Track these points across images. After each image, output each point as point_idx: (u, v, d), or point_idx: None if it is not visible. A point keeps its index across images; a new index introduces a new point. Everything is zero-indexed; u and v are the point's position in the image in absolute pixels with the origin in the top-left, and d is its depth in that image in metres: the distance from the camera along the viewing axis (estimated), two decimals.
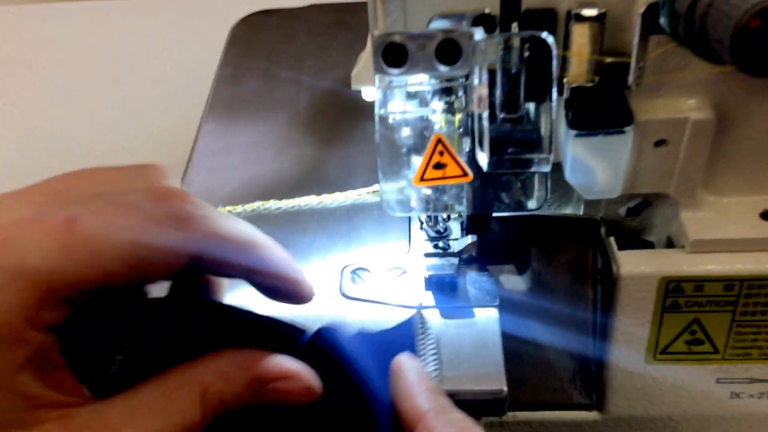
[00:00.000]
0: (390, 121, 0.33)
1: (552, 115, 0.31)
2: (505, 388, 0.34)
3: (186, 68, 0.78)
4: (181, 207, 0.26)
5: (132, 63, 0.87)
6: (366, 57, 0.36)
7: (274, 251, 0.29)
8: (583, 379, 0.44)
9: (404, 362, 0.31)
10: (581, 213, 0.42)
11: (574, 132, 0.34)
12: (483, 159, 0.32)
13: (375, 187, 0.44)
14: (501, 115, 0.34)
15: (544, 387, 0.44)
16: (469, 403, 0.34)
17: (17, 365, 0.23)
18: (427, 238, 0.39)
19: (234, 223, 0.28)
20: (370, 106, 0.36)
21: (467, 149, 0.35)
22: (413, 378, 0.30)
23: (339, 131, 0.50)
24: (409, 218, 0.43)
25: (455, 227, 0.40)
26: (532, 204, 0.34)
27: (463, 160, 0.32)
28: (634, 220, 0.42)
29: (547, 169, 0.32)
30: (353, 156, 0.47)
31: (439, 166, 0.32)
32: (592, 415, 0.43)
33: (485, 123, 0.31)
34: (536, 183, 0.34)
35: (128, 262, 0.25)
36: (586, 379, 0.44)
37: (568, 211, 0.43)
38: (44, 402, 0.24)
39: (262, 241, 0.29)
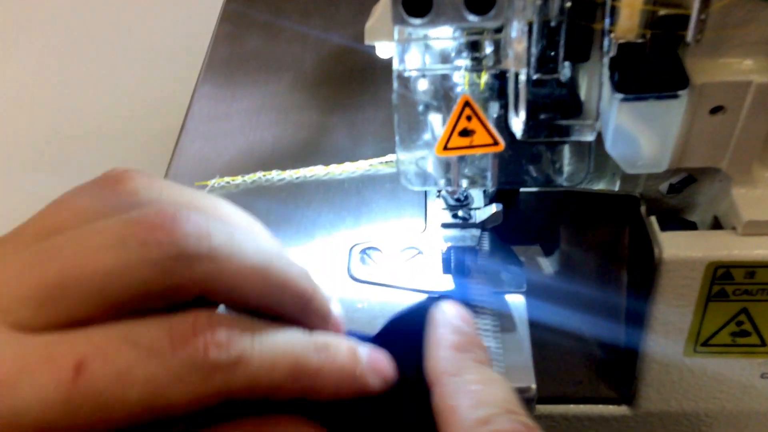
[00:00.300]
0: (410, 78, 0.29)
1: (600, 76, 0.27)
2: (534, 385, 0.30)
3: (181, 25, 0.73)
4: (206, 340, 0.22)
5: (122, 18, 0.82)
6: (383, 7, 0.32)
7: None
8: (611, 371, 0.40)
9: (436, 316, 0.28)
10: (616, 189, 0.38)
11: (619, 96, 0.30)
12: (517, 125, 0.28)
13: (389, 157, 0.39)
14: (535, 76, 0.29)
15: (568, 378, 0.40)
16: None
17: None
18: (445, 206, 0.35)
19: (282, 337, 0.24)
20: (385, 65, 0.31)
21: (495, 115, 0.31)
22: (440, 333, 0.27)
23: (348, 94, 0.45)
24: (425, 192, 0.38)
25: (477, 195, 0.36)
26: (570, 179, 0.30)
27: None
28: (676, 197, 0.38)
29: (591, 138, 0.28)
30: (364, 122, 0.43)
31: (465, 133, 0.28)
32: (620, 409, 0.40)
33: (522, 83, 0.27)
34: (575, 154, 0.30)
35: (139, 417, 0.21)
36: (615, 371, 0.40)
37: (601, 186, 0.39)
38: None
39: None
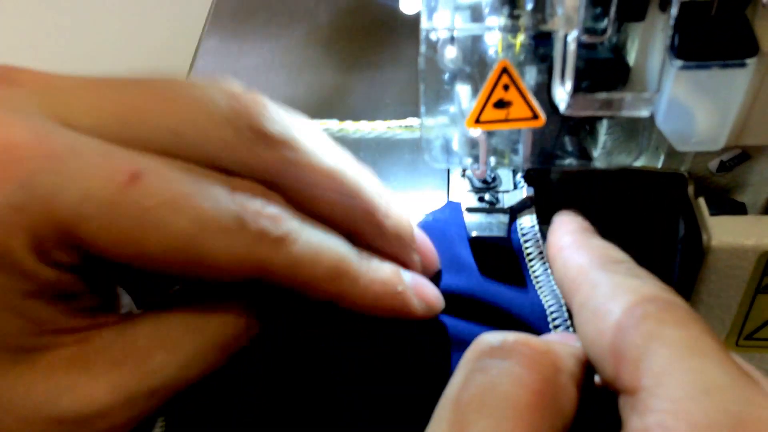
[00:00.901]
0: (437, 41, 0.25)
1: (661, 40, 0.23)
2: None
3: None
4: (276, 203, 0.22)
5: None
6: None
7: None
8: None
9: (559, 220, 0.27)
10: (660, 165, 0.34)
11: (678, 63, 0.26)
12: (561, 96, 0.24)
13: (409, 120, 0.36)
14: (584, 39, 0.25)
15: None
16: None
17: (22, 292, 0.20)
18: (470, 188, 0.32)
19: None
20: (407, 20, 0.28)
21: (533, 83, 0.27)
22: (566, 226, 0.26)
23: (367, 52, 0.41)
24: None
25: (506, 176, 0.33)
26: (618, 160, 0.26)
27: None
28: (725, 176, 0.34)
29: (646, 113, 0.24)
30: (384, 83, 0.39)
31: (501, 104, 0.24)
32: None
33: (572, 47, 0.23)
34: (625, 131, 0.26)
35: (176, 257, 0.21)
36: None
37: (642, 162, 0.35)
38: (58, 327, 0.21)
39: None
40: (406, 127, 0.38)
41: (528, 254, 0.30)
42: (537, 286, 0.29)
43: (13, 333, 0.20)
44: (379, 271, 0.24)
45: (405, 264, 0.26)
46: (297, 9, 0.46)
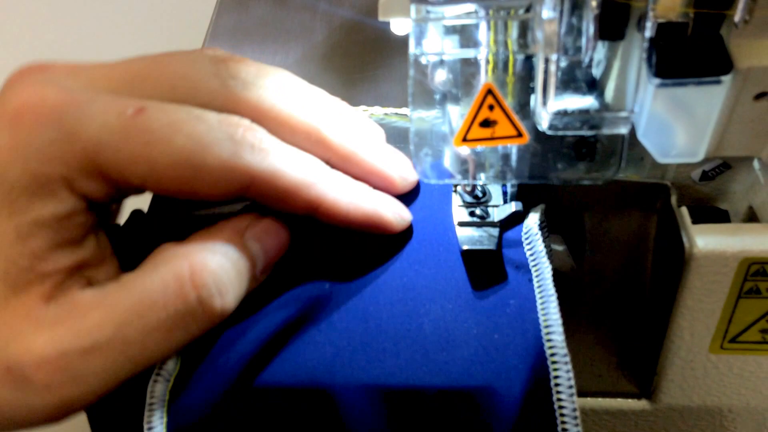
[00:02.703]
0: (427, 64, 0.27)
1: (637, 59, 0.24)
2: None
3: None
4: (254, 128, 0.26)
5: None
6: None
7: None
8: (632, 366, 0.39)
9: None
10: (645, 175, 0.36)
11: (656, 80, 0.27)
12: (543, 117, 0.26)
13: (404, 110, 0.36)
14: (564, 61, 0.27)
15: (588, 372, 0.39)
16: None
17: (36, 218, 0.24)
18: (461, 203, 0.33)
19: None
20: (400, 39, 0.29)
21: (517, 104, 0.29)
22: None
23: (362, 68, 0.42)
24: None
25: (495, 192, 0.34)
26: (601, 175, 0.28)
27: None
28: (708, 185, 0.36)
29: (624, 130, 0.25)
30: (379, 99, 0.40)
31: (487, 123, 0.25)
32: (640, 404, 0.38)
33: (552, 69, 0.24)
34: (605, 148, 0.28)
35: (177, 169, 0.25)
36: (637, 366, 0.39)
37: (628, 172, 0.36)
38: (45, 270, 0.24)
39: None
40: (400, 115, 0.38)
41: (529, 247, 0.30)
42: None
43: (24, 266, 0.24)
44: (351, 182, 0.28)
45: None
46: (293, 27, 0.47)
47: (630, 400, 0.38)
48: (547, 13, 0.24)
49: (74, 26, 0.77)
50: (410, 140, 0.27)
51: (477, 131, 0.25)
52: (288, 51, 0.44)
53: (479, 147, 0.28)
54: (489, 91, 0.25)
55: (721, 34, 0.28)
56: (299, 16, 0.47)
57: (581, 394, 0.39)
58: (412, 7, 0.25)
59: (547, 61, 0.24)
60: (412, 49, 0.26)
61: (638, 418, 0.39)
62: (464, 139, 0.26)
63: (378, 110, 0.38)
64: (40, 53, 0.75)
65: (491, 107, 0.25)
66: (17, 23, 0.81)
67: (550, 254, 0.31)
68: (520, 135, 0.26)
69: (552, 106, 0.25)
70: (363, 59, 0.42)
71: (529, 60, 0.27)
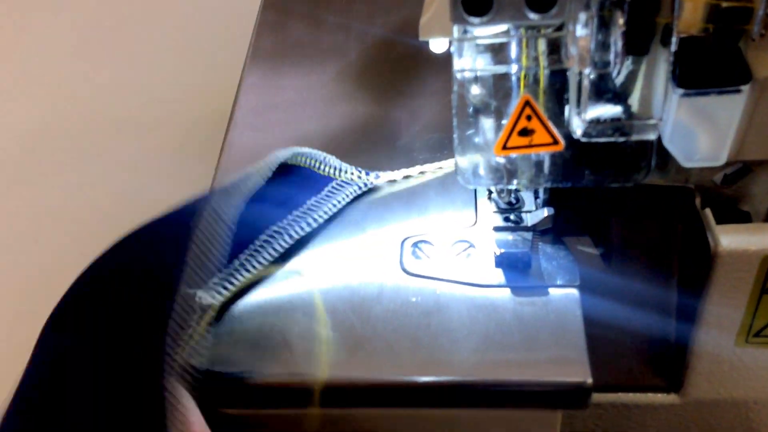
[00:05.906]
0: (468, 80, 0.29)
1: (664, 71, 0.27)
2: (590, 380, 0.31)
3: (225, 12, 0.73)
4: None
5: (165, 8, 0.82)
6: (438, 3, 0.31)
7: None
8: (661, 361, 0.40)
9: None
10: (669, 178, 0.38)
11: (680, 91, 0.29)
12: (578, 125, 0.28)
13: (442, 163, 0.39)
14: (593, 74, 0.29)
15: (617, 367, 0.41)
16: (547, 394, 0.31)
17: None
18: (496, 210, 0.35)
19: None
20: (434, 56, 0.31)
21: (553, 113, 0.31)
22: None
23: (395, 84, 0.45)
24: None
25: (528, 198, 0.36)
26: (632, 178, 0.30)
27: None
28: (730, 188, 0.38)
29: (653, 137, 0.28)
30: (413, 112, 0.43)
31: (525, 132, 0.28)
32: (669, 398, 0.40)
33: (586, 82, 0.26)
34: (634, 152, 0.30)
35: None
36: (665, 361, 0.40)
37: (653, 176, 0.38)
38: None
39: None
40: (439, 170, 0.40)
41: None
42: None
43: None
44: None
45: None
46: (328, 47, 0.50)
47: (659, 395, 0.40)
48: (580, 30, 0.26)
49: (117, 49, 0.80)
50: (454, 150, 0.30)
51: (516, 140, 0.28)
52: (324, 69, 0.47)
53: (513, 155, 0.31)
54: (527, 103, 0.27)
55: (740, 46, 0.30)
56: (334, 36, 0.50)
57: (612, 389, 0.40)
58: (455, 28, 0.27)
59: (580, 74, 0.27)
60: (456, 66, 0.28)
61: (667, 412, 0.41)
62: (504, 147, 0.28)
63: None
64: (83, 74, 0.78)
65: (529, 117, 0.27)
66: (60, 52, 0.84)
67: (577, 255, 0.34)
68: (555, 142, 0.28)
69: (586, 115, 0.27)
70: (396, 76, 0.45)
71: (555, 73, 0.29)
